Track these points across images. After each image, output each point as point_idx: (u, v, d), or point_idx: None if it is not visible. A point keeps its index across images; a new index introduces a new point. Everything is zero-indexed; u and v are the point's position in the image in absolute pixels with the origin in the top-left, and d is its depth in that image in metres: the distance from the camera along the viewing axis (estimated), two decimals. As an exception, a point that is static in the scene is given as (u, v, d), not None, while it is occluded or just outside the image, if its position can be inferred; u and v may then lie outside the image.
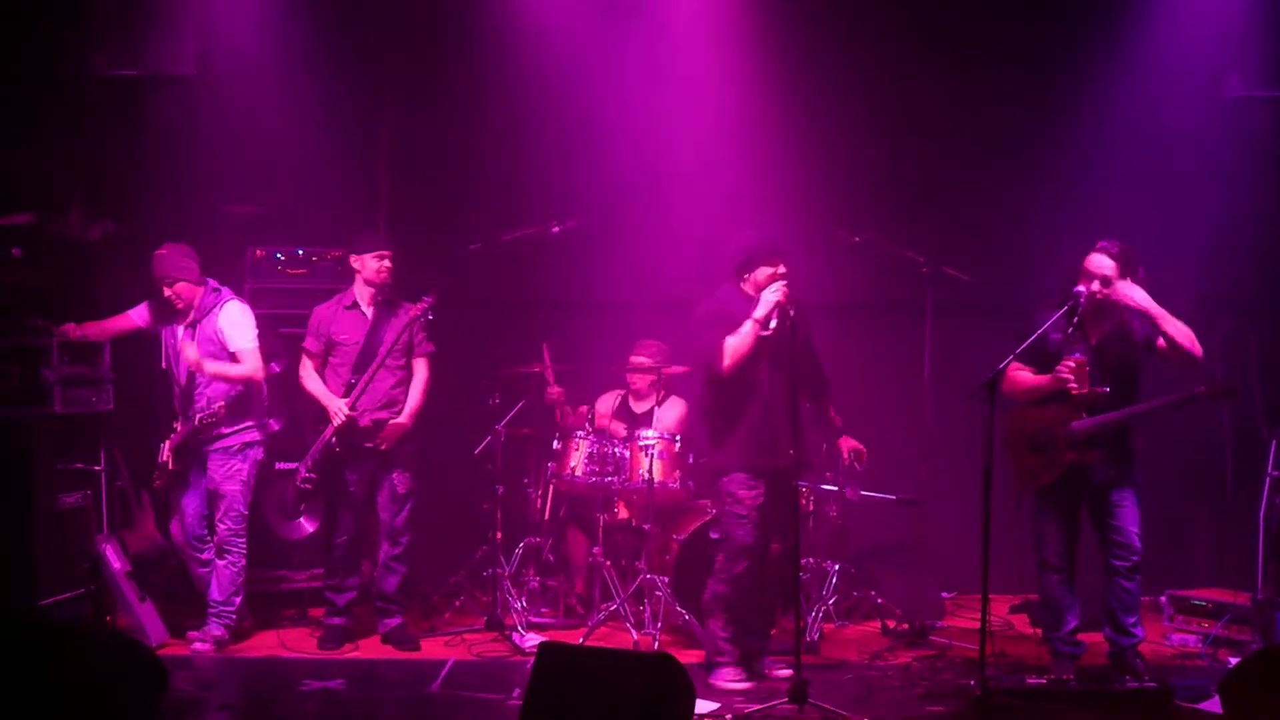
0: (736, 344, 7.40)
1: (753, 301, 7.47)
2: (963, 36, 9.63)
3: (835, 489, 8.93)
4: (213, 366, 8.17)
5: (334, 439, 8.27)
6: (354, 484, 8.41)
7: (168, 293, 8.18)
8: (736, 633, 7.62)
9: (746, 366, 7.45)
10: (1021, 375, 7.57)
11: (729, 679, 7.48)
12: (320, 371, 8.44)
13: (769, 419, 7.49)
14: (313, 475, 8.38)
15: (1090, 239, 7.60)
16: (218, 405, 8.08)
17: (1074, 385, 7.38)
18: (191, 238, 8.40)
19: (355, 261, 8.45)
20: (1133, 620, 7.58)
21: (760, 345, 7.42)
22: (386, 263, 8.40)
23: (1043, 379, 7.51)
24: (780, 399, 7.42)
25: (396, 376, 8.41)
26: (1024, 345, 7.17)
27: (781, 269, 7.50)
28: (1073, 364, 7.37)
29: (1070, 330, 7.36)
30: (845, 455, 8.11)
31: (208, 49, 9.40)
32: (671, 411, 9.26)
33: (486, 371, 9.07)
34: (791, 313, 7.24)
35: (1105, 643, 7.69)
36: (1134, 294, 7.42)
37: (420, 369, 8.49)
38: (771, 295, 7.37)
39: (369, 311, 8.46)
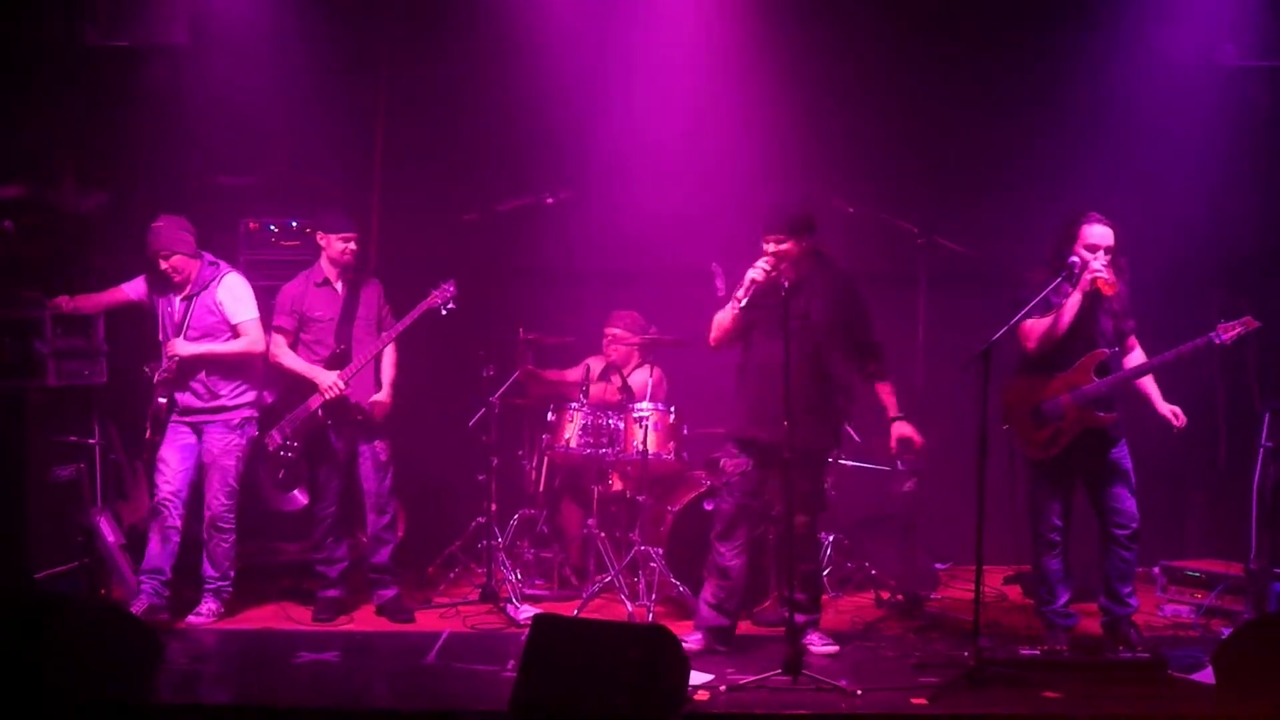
0: (719, 319, 7.53)
1: None
2: (956, 6, 9.58)
3: (830, 460, 8.93)
4: (200, 348, 8.15)
5: (320, 411, 8.28)
6: (340, 451, 8.41)
7: (164, 266, 8.14)
8: (723, 600, 7.62)
9: (731, 341, 7.57)
10: (1041, 322, 7.51)
11: (690, 641, 7.45)
12: (292, 348, 8.42)
13: (762, 392, 7.42)
14: (294, 444, 8.38)
15: (1084, 208, 7.59)
16: (169, 362, 8.12)
17: (1105, 280, 7.32)
18: (185, 208, 8.36)
19: (321, 239, 8.43)
20: (1129, 590, 7.60)
21: (747, 320, 7.43)
22: (351, 245, 8.38)
23: (1073, 299, 7.39)
24: (779, 372, 7.27)
25: (371, 349, 8.39)
26: (1023, 312, 7.21)
27: (770, 245, 7.40)
28: (1101, 262, 7.34)
29: (1066, 302, 7.39)
30: (892, 444, 7.74)
31: (199, 18, 9.36)
32: (637, 378, 9.21)
33: (481, 342, 9.05)
34: (786, 285, 7.13)
35: (1100, 612, 7.71)
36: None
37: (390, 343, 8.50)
38: (750, 272, 7.31)
39: (340, 287, 8.45)
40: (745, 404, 7.60)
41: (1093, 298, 7.38)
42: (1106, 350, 7.51)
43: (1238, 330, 7.28)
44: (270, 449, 8.41)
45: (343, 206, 8.51)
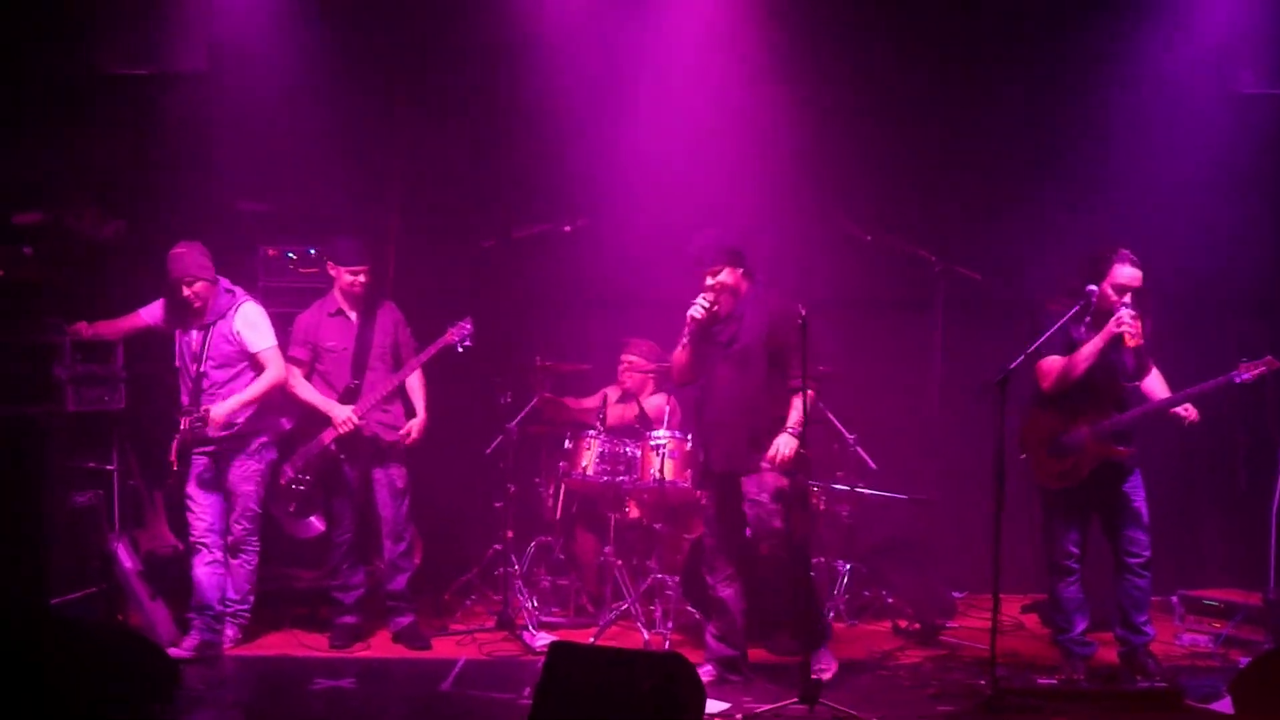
0: (674, 359, 7.72)
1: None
2: (973, 32, 9.57)
3: (846, 488, 8.94)
4: (234, 403, 8.12)
5: (333, 445, 8.31)
6: (354, 480, 8.42)
7: (187, 292, 8.11)
8: (724, 631, 7.60)
9: (692, 378, 7.68)
10: (1059, 362, 7.50)
11: (701, 672, 7.40)
12: (307, 379, 8.45)
13: (708, 422, 7.58)
14: (306, 477, 8.41)
15: (1102, 236, 7.58)
16: (204, 409, 8.09)
17: (1131, 334, 7.30)
18: (203, 235, 8.36)
19: (332, 270, 8.46)
20: (1144, 619, 7.57)
21: (700, 355, 7.54)
22: (361, 278, 8.39)
23: (1093, 344, 7.40)
24: (723, 404, 7.44)
25: (387, 376, 8.44)
26: (1040, 340, 7.21)
27: (709, 279, 7.45)
28: (1129, 314, 7.32)
29: (1084, 328, 7.39)
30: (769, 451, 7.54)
31: (218, 45, 9.40)
32: (652, 405, 9.22)
33: (498, 370, 9.05)
34: (803, 313, 7.04)
35: (1117, 642, 7.67)
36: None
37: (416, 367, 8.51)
38: (690, 311, 7.41)
39: (353, 317, 8.47)
40: (700, 436, 7.76)
41: (1115, 342, 7.37)
42: (1127, 385, 7.50)
43: (1260, 370, 7.29)
44: (281, 483, 8.43)
45: (355, 238, 8.50)
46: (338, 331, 8.44)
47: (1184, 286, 9.09)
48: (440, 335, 8.28)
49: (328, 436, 8.30)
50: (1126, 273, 7.41)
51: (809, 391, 7.30)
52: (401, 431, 8.42)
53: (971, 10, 9.56)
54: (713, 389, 7.51)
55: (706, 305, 7.38)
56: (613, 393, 9.46)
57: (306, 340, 8.44)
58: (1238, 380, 7.30)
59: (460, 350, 8.26)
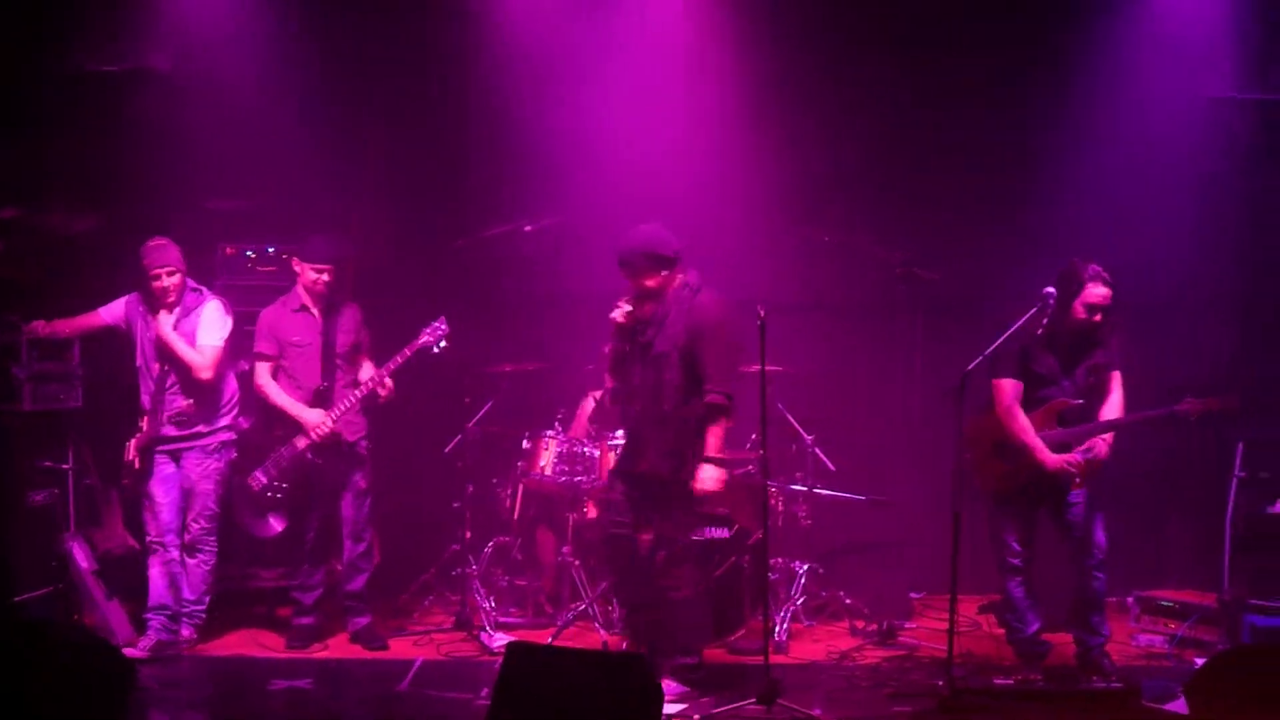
0: (607, 360, 7.76)
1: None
2: (940, 37, 9.55)
3: (804, 489, 8.95)
4: (173, 336, 8.07)
5: (309, 452, 8.27)
6: (321, 484, 8.39)
7: (167, 282, 8.05)
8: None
9: (617, 379, 7.70)
10: (1010, 390, 7.55)
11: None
12: (274, 376, 8.40)
13: (629, 425, 7.61)
14: (283, 485, 8.36)
15: (1069, 241, 7.60)
16: (187, 403, 8.05)
17: (1079, 480, 7.45)
18: (168, 232, 8.29)
19: (296, 266, 8.43)
20: (1100, 618, 7.60)
21: (622, 357, 7.53)
22: (325, 277, 8.35)
23: (1038, 447, 7.44)
24: (637, 408, 7.43)
25: (350, 376, 8.43)
26: (993, 347, 7.17)
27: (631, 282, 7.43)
28: (1081, 460, 7.41)
29: (1041, 332, 7.39)
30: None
31: (186, 43, 9.38)
32: None
33: (462, 370, 9.01)
34: (762, 313, 6.99)
35: (1073, 642, 7.71)
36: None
37: (369, 369, 8.46)
38: (612, 314, 7.40)
39: (316, 313, 8.43)
40: (624, 437, 7.84)
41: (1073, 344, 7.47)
42: (1070, 401, 7.53)
43: (1203, 408, 7.37)
44: (255, 489, 8.38)
45: (322, 237, 8.45)
46: (302, 327, 8.40)
47: (1152, 290, 9.12)
48: (413, 338, 8.23)
49: (302, 443, 8.26)
50: (1099, 293, 7.42)
51: (720, 402, 7.18)
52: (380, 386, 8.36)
53: (942, 14, 9.55)
54: (630, 392, 7.48)
55: (627, 309, 7.36)
56: (589, 404, 9.40)
57: (272, 335, 8.39)
58: (1179, 412, 7.37)
59: (437, 351, 8.21)
